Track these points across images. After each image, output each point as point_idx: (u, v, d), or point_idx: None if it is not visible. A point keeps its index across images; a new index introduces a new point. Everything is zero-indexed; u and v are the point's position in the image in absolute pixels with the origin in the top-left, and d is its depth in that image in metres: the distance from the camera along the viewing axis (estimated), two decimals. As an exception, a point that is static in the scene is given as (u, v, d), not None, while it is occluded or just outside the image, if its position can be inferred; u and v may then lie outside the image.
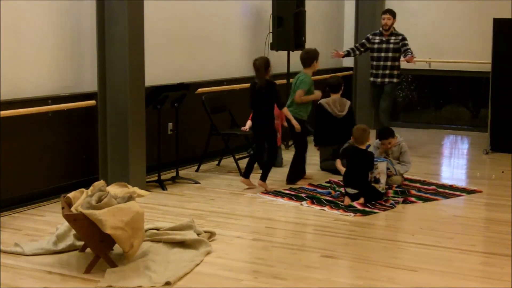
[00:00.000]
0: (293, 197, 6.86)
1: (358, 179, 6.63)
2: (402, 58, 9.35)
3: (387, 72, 9.29)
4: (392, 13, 9.36)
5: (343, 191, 6.75)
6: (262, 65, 7.01)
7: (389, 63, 9.30)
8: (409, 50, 9.15)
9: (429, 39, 11.24)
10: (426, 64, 11.32)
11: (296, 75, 7.70)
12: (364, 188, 6.60)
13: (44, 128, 6.62)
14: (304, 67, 7.61)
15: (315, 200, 6.71)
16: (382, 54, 9.31)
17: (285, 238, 5.64)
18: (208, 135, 8.12)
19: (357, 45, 9.69)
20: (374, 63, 9.42)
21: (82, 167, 7.02)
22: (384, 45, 9.33)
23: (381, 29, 9.41)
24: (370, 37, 9.48)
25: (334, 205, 6.54)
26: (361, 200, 6.53)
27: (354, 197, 6.57)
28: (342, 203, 6.56)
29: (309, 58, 7.56)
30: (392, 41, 9.30)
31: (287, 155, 8.13)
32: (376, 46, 9.38)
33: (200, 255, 5.06)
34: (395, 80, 9.38)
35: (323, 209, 6.45)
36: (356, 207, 6.45)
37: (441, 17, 11.18)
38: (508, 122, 9.31)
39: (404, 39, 9.30)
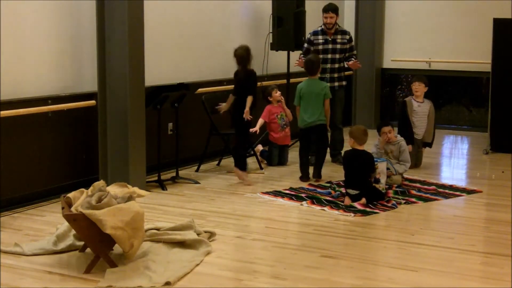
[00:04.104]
0: (293, 197, 6.86)
1: (359, 181, 6.62)
2: (346, 63, 8.35)
3: (336, 75, 8.20)
4: (335, 11, 8.20)
5: (343, 191, 6.75)
6: (244, 54, 7.23)
7: (337, 65, 8.23)
8: (354, 55, 8.36)
9: (429, 39, 11.23)
10: (426, 64, 11.32)
11: (303, 83, 7.66)
12: (365, 189, 6.60)
13: (44, 128, 6.61)
14: (312, 75, 7.63)
15: (315, 200, 6.71)
16: (329, 56, 8.18)
17: (285, 238, 5.63)
18: (208, 135, 8.12)
19: (301, 54, 8.40)
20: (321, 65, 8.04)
21: (82, 167, 7.02)
22: (330, 45, 8.21)
23: (323, 27, 8.27)
24: (312, 38, 8.28)
25: (334, 205, 6.53)
26: (363, 200, 6.53)
27: (355, 198, 6.57)
28: (342, 203, 6.56)
29: (318, 66, 7.64)
30: (339, 40, 8.23)
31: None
32: (321, 47, 8.23)
33: (200, 255, 5.06)
34: (344, 83, 8.39)
35: (323, 209, 6.44)
36: (356, 207, 6.45)
37: (441, 17, 11.16)
38: (508, 122, 9.30)
39: (351, 39, 8.37)
